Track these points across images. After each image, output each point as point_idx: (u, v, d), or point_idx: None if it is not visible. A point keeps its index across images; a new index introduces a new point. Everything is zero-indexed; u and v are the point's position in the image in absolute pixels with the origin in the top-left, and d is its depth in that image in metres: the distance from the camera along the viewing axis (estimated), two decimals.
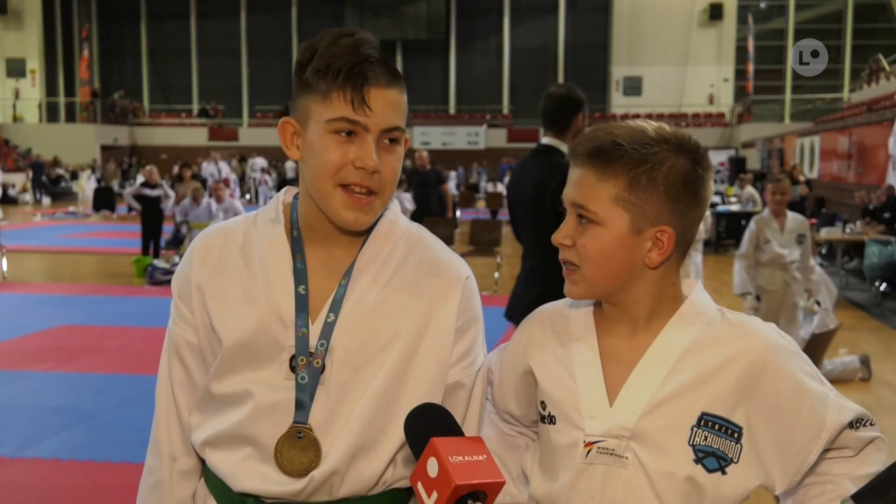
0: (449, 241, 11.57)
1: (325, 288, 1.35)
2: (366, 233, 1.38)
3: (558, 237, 1.30)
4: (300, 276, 1.35)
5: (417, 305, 1.35)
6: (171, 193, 13.50)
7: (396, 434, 1.32)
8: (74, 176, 28.89)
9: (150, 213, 11.90)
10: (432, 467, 1.08)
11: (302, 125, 1.33)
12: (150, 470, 1.45)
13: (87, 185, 27.05)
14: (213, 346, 1.37)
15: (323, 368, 1.32)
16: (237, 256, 1.38)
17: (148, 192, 11.95)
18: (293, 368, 1.32)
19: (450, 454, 1.08)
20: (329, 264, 1.37)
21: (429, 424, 1.17)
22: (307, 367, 1.32)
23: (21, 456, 4.69)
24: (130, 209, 12.56)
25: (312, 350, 1.32)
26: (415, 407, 1.21)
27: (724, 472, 1.26)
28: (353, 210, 1.30)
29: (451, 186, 19.23)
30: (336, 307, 1.33)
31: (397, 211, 1.43)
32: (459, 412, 1.39)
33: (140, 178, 12.94)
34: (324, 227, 1.36)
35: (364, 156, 1.28)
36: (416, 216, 11.52)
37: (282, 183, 24.26)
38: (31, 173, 27.09)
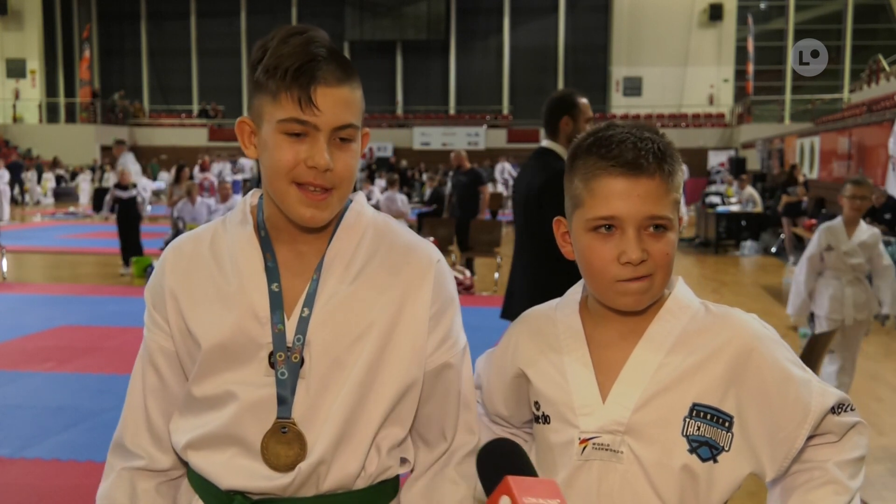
0: (449, 241, 11.54)
1: (297, 284, 1.37)
2: (333, 227, 1.39)
3: (637, 256, 1.26)
4: (272, 274, 1.36)
5: (390, 293, 1.37)
6: (146, 196, 13.33)
7: (375, 420, 1.35)
8: (75, 176, 28.86)
9: (124, 215, 11.59)
10: None
11: (257, 125, 1.35)
12: (108, 471, 1.47)
13: (51, 187, 27.07)
14: (191, 350, 1.38)
15: (302, 362, 1.33)
16: (208, 260, 1.40)
17: (120, 193, 11.64)
18: (272, 365, 1.33)
19: (524, 494, 1.06)
20: (299, 261, 1.38)
21: (503, 461, 1.16)
22: (286, 363, 1.33)
23: (21, 456, 4.69)
24: (102, 209, 12.31)
25: (290, 345, 1.33)
26: (488, 442, 1.22)
27: (715, 461, 1.29)
28: (308, 207, 1.31)
29: (448, 187, 19.15)
30: (310, 302, 1.35)
31: (363, 202, 1.45)
32: (454, 387, 1.42)
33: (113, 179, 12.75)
34: (289, 225, 1.37)
35: (315, 155, 1.29)
36: (459, 218, 11.23)
37: None
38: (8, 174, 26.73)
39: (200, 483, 1.39)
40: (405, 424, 1.40)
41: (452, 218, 11.50)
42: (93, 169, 29.69)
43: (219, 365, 1.35)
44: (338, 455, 1.33)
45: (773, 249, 14.79)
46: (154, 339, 1.42)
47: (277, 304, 1.35)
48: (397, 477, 1.44)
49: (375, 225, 1.43)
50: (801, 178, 15.00)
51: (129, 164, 12.79)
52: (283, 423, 1.32)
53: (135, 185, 12.21)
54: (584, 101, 3.66)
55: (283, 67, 1.28)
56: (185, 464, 1.43)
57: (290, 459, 1.32)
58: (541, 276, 3.49)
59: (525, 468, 1.16)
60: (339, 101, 1.30)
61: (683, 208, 13.76)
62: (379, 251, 1.40)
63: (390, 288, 1.37)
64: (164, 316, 1.41)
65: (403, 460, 1.43)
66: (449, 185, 13.88)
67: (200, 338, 1.35)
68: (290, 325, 1.34)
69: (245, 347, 1.34)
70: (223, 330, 1.34)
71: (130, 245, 11.67)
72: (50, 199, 27.37)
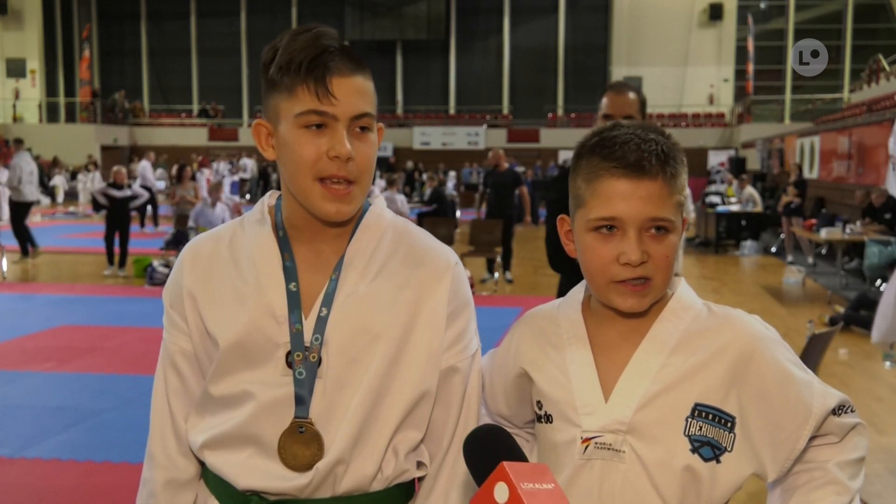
0: (449, 240, 11.54)
1: (315, 283, 1.37)
2: (353, 227, 1.39)
3: (636, 257, 1.26)
4: (290, 273, 1.36)
5: (408, 294, 1.37)
6: (142, 193, 13.24)
7: (392, 422, 1.35)
8: (75, 176, 28.83)
9: (115, 214, 11.50)
10: (501, 493, 1.05)
11: (273, 124, 1.35)
12: (145, 481, 1.46)
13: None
14: (209, 350, 1.38)
15: (319, 362, 1.33)
16: (226, 260, 1.40)
17: (114, 192, 11.54)
18: (290, 364, 1.33)
19: (521, 480, 1.05)
20: (318, 260, 1.38)
21: (495, 447, 1.15)
22: (304, 363, 1.33)
23: (21, 456, 4.69)
24: (98, 209, 12.11)
25: (308, 345, 1.33)
26: (476, 428, 1.21)
27: (718, 461, 1.29)
28: (333, 202, 1.32)
29: (452, 188, 19.10)
30: (328, 301, 1.35)
31: (383, 204, 1.46)
32: (457, 397, 1.41)
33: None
34: (309, 224, 1.37)
35: (336, 144, 1.29)
36: (497, 219, 10.90)
37: None
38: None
39: (216, 483, 1.39)
40: (421, 427, 1.39)
41: (490, 220, 11.09)
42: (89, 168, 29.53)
43: (236, 364, 1.35)
44: (355, 456, 1.33)
45: (773, 249, 14.79)
46: (173, 341, 1.42)
47: (295, 303, 1.35)
48: (413, 480, 1.43)
49: (395, 227, 1.43)
50: (791, 178, 14.92)
51: (23, 165, 12.58)
52: (301, 423, 1.32)
53: (129, 185, 12.13)
54: (610, 96, 3.19)
55: (297, 61, 1.28)
56: (202, 464, 1.43)
57: (307, 459, 1.32)
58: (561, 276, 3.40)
59: (517, 453, 1.16)
60: (355, 90, 1.31)
61: (690, 205, 13.59)
62: (397, 252, 1.41)
63: (407, 289, 1.37)
64: (183, 315, 1.40)
65: (420, 464, 1.42)
66: (455, 184, 13.64)
67: (218, 336, 1.35)
68: (308, 325, 1.34)
69: (262, 347, 1.34)
70: (240, 328, 1.34)
71: (121, 248, 11.59)
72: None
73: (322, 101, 1.28)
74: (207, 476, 1.42)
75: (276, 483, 1.33)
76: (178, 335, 1.42)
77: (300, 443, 1.32)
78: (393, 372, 1.35)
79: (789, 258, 13.18)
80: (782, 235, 14.55)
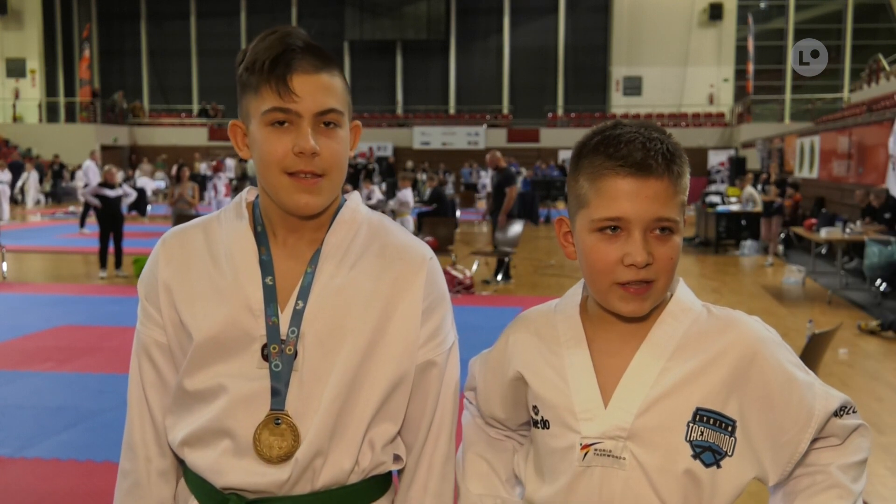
0: (449, 240, 11.54)
1: (291, 277, 1.38)
2: (328, 221, 1.41)
3: (642, 258, 1.23)
4: (266, 267, 1.38)
5: (383, 288, 1.39)
6: (132, 192, 13.19)
7: (367, 413, 1.36)
8: (73, 176, 28.79)
9: (108, 213, 11.46)
10: None
11: (246, 124, 1.38)
12: (125, 473, 1.47)
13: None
14: (183, 343, 1.39)
15: (295, 355, 1.35)
16: (203, 253, 1.41)
17: (107, 192, 11.50)
18: (266, 357, 1.34)
19: None
20: (294, 254, 1.40)
21: None
22: (280, 355, 1.34)
23: (21, 456, 4.69)
24: (87, 209, 11.89)
25: (284, 338, 1.35)
26: None
27: (718, 466, 1.27)
28: (302, 193, 1.33)
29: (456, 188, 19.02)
30: (304, 294, 1.37)
31: (358, 200, 1.47)
32: (433, 389, 1.42)
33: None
34: (284, 219, 1.39)
35: (300, 140, 1.31)
36: (491, 217, 10.97)
37: None
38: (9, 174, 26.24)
39: (196, 482, 1.40)
40: (397, 420, 1.41)
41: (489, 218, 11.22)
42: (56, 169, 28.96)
43: (211, 357, 1.36)
44: (332, 449, 1.34)
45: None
46: (148, 332, 1.43)
47: (271, 297, 1.36)
48: (389, 472, 1.45)
49: (370, 222, 1.45)
50: (773, 178, 14.79)
51: None
52: (277, 415, 1.33)
53: (121, 185, 12.07)
54: None
55: (261, 61, 1.32)
56: (182, 462, 1.43)
57: (282, 451, 1.32)
58: None
59: None
60: (318, 87, 1.33)
61: None
62: (373, 247, 1.42)
63: (383, 283, 1.39)
64: (157, 307, 1.41)
65: (397, 457, 1.43)
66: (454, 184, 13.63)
67: (193, 330, 1.36)
68: (284, 318, 1.35)
69: (238, 340, 1.35)
70: (216, 322, 1.35)
71: (116, 248, 11.53)
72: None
73: (284, 99, 1.31)
74: (188, 475, 1.42)
75: (254, 479, 1.33)
76: (152, 327, 1.43)
77: (276, 434, 1.33)
78: (367, 364, 1.36)
79: (769, 260, 13.17)
80: (782, 235, 14.51)
